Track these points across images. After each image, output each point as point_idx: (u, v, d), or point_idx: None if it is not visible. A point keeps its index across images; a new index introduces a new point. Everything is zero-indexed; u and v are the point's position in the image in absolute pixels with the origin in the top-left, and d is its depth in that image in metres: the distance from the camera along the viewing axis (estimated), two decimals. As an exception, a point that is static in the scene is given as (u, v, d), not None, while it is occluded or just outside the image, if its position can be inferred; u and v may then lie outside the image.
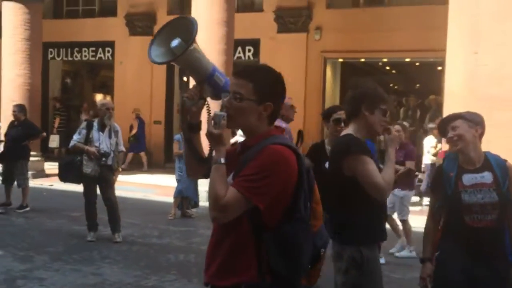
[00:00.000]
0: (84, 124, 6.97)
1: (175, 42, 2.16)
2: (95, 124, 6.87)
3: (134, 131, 14.29)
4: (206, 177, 2.18)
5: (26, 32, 12.07)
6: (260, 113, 2.14)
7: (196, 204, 8.79)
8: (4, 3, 12.17)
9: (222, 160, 2.02)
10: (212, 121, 2.03)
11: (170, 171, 13.65)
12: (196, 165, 2.29)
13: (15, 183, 8.84)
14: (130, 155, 14.07)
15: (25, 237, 6.97)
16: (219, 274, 2.13)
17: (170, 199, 10.52)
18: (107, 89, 20.16)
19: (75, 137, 6.84)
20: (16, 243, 6.64)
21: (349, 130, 3.29)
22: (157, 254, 6.47)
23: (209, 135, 2.02)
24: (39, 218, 8.30)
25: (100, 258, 6.15)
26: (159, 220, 8.53)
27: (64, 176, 6.95)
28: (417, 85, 18.74)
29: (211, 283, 2.18)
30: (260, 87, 2.13)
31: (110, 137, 6.89)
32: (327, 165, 3.91)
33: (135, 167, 14.08)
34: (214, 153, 2.05)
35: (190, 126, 2.22)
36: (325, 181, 3.11)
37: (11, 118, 9.07)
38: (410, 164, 6.45)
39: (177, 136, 8.49)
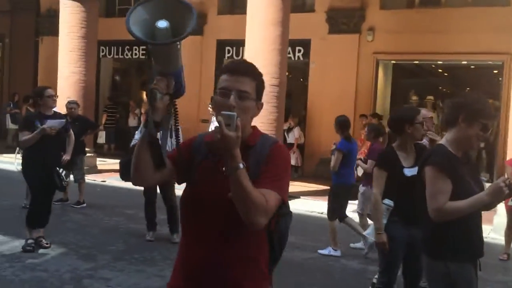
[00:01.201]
0: (144, 123, 6.96)
1: (162, 24, 1.88)
2: (159, 124, 6.85)
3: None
4: (158, 184, 2.06)
5: (82, 30, 12.26)
6: (255, 112, 2.08)
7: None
8: (62, 2, 12.40)
9: (242, 165, 1.83)
10: (223, 123, 1.79)
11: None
12: (151, 170, 2.01)
13: (71, 178, 8.95)
14: None
15: (85, 235, 7.04)
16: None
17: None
18: (155, 87, 20.35)
19: (137, 135, 6.85)
20: (78, 241, 6.71)
21: (443, 140, 3.16)
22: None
23: (224, 138, 1.78)
24: (96, 215, 8.38)
25: (162, 259, 6.14)
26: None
27: (125, 174, 6.95)
28: (468, 88, 18.23)
29: None
30: (260, 86, 2.08)
31: (171, 136, 6.84)
32: (405, 172, 3.81)
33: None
34: (228, 158, 1.83)
35: (155, 124, 1.97)
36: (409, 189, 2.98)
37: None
38: (370, 163, 6.71)
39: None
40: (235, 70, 2.03)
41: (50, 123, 5.99)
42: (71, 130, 6.83)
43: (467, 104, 2.99)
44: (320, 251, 6.87)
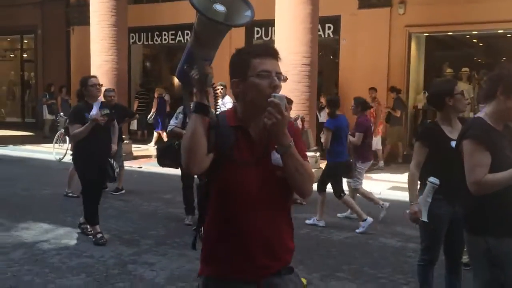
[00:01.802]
0: (180, 108, 7.00)
1: (220, 8, 2.02)
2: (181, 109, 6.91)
3: (153, 110, 14.85)
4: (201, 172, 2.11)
5: (112, 18, 12.36)
6: None
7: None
8: (91, -9, 12.51)
9: (292, 142, 2.05)
10: (274, 107, 1.96)
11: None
12: (205, 155, 2.06)
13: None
14: (156, 133, 14.91)
15: (127, 221, 7.19)
16: (284, 256, 2.23)
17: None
18: (185, 71, 20.44)
19: (173, 121, 6.91)
20: (120, 227, 6.86)
21: (481, 113, 3.10)
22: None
23: (284, 119, 1.98)
24: (135, 200, 8.55)
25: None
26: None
27: (162, 160, 7.04)
28: (504, 58, 17.68)
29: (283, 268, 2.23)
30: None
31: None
32: (452, 144, 3.71)
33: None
34: (283, 137, 2.01)
35: (207, 108, 2.06)
36: (457, 163, 2.93)
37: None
38: (358, 136, 7.21)
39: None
40: (269, 54, 2.11)
41: (95, 112, 5.97)
42: (115, 119, 6.81)
43: (505, 76, 2.93)
44: (307, 221, 7.19)
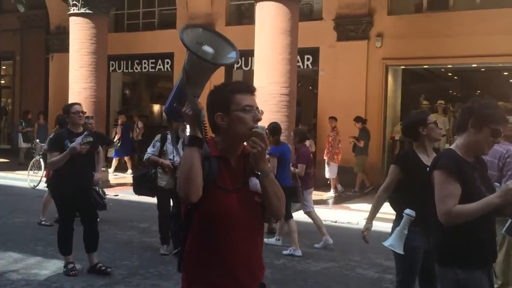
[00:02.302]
0: (158, 136, 6.97)
1: (209, 49, 2.25)
2: (169, 136, 6.88)
3: (117, 137, 14.91)
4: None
5: (92, 46, 12.36)
6: None
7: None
8: (71, 18, 12.53)
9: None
10: (258, 136, 2.21)
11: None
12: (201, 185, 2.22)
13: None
14: (115, 160, 15.17)
15: (100, 250, 6.95)
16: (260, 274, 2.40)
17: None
18: (164, 99, 20.46)
19: (150, 150, 6.86)
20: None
21: (453, 144, 3.14)
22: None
23: (265, 149, 2.23)
24: (110, 229, 8.37)
25: (177, 273, 6.07)
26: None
27: (138, 189, 6.98)
28: (478, 91, 18.12)
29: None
30: None
31: (184, 149, 6.87)
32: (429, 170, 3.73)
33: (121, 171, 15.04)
34: (264, 164, 2.26)
35: (200, 140, 2.25)
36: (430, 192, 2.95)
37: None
38: (301, 167, 7.50)
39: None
40: (250, 90, 2.35)
41: (78, 141, 5.76)
42: (100, 147, 6.63)
43: (476, 109, 2.97)
44: (284, 252, 7.14)
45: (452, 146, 3.11)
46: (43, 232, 7.92)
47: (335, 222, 9.54)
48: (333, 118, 12.69)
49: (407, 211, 3.73)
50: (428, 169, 3.66)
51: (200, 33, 2.29)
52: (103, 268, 5.95)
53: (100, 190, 6.21)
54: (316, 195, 11.80)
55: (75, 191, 5.81)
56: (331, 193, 12.41)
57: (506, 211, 3.00)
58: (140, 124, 15.68)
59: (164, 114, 6.35)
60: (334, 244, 7.50)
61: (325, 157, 12.46)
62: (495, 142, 3.00)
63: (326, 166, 12.38)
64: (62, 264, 6.06)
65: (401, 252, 3.76)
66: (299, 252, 7.09)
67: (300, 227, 7.27)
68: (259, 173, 2.27)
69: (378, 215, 4.24)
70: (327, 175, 12.45)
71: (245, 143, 2.33)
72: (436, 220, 2.94)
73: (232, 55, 2.31)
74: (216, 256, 2.26)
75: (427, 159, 3.91)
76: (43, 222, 8.37)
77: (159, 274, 5.95)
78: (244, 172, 2.33)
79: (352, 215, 9.89)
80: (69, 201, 5.88)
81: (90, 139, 6.01)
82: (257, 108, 2.32)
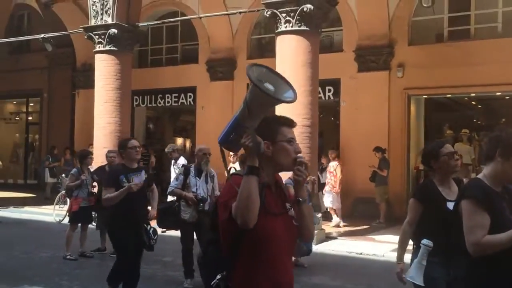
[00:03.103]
0: (181, 169, 7.04)
1: (270, 86, 2.40)
2: (192, 169, 6.93)
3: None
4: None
5: (117, 81, 12.61)
6: None
7: (309, 252, 7.84)
8: (97, 56, 12.84)
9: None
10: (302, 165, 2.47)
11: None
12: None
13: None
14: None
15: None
16: None
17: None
18: (187, 133, 20.71)
19: (173, 183, 6.91)
20: (117, 290, 6.68)
21: (481, 174, 3.10)
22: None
23: (305, 178, 2.49)
24: (134, 263, 8.37)
25: (200, 307, 6.06)
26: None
27: (162, 221, 6.99)
28: (503, 120, 17.89)
29: None
30: None
31: (206, 182, 6.92)
32: (448, 206, 3.67)
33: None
34: (304, 190, 2.52)
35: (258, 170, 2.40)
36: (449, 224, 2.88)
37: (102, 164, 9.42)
38: None
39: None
40: (293, 125, 2.57)
41: (136, 181, 5.58)
42: (154, 184, 6.49)
43: (504, 138, 2.95)
44: None
45: (480, 176, 3.07)
46: (68, 266, 7.97)
47: (361, 254, 9.38)
48: (332, 150, 12.79)
49: (424, 241, 3.67)
50: (447, 202, 3.64)
51: (263, 72, 2.45)
52: None
53: (150, 229, 5.85)
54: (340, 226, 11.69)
55: (131, 229, 5.56)
56: (336, 219, 12.16)
57: None
58: (152, 158, 15.73)
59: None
60: (360, 276, 7.35)
61: (329, 188, 12.27)
62: None
63: (326, 195, 12.17)
64: None
65: (421, 283, 3.68)
66: None
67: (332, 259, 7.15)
68: (300, 199, 2.51)
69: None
70: (327, 204, 12.29)
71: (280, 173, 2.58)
72: (461, 250, 2.89)
73: (290, 94, 2.47)
74: (267, 278, 2.41)
75: (447, 192, 3.84)
76: (68, 257, 8.44)
77: (183, 308, 5.90)
78: (285, 199, 2.55)
79: (378, 247, 9.72)
80: (127, 239, 5.60)
81: (145, 176, 5.86)
82: (295, 140, 2.56)
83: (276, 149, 2.48)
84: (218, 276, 2.45)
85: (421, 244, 3.66)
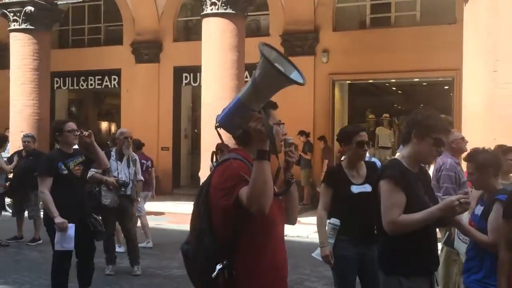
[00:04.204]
0: (101, 154, 6.79)
1: (280, 68, 2.34)
2: (113, 153, 6.73)
3: None
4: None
5: (34, 62, 12.04)
6: None
7: None
8: (12, 34, 12.17)
9: None
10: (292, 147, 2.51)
11: (178, 197, 13.53)
12: None
13: (26, 215, 8.67)
14: None
15: (41, 273, 6.72)
16: None
17: (182, 226, 10.37)
18: (112, 116, 20.14)
19: (93, 168, 6.67)
20: (33, 280, 6.45)
21: (398, 155, 3.22)
22: (180, 287, 6.26)
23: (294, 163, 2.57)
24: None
25: (123, 294, 5.95)
26: (176, 250, 8.26)
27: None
28: (421, 105, 18.72)
29: None
30: None
31: (128, 166, 6.77)
32: (353, 189, 3.81)
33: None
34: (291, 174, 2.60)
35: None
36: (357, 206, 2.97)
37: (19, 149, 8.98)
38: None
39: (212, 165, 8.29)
40: (276, 107, 2.60)
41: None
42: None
43: (419, 120, 3.06)
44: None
45: (398, 157, 3.19)
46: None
47: (285, 235, 9.52)
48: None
49: (332, 220, 3.79)
50: (351, 186, 3.79)
51: (272, 52, 2.40)
52: None
53: (98, 217, 5.44)
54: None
55: (75, 221, 4.97)
56: None
57: (446, 221, 3.10)
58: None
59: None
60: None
61: None
62: (439, 152, 3.06)
63: None
64: None
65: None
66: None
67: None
68: (290, 180, 2.54)
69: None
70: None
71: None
72: (380, 229, 2.99)
73: (297, 76, 2.40)
74: (270, 262, 2.44)
75: (354, 175, 3.97)
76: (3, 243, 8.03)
77: (103, 296, 5.76)
78: (276, 180, 2.50)
79: (302, 228, 9.91)
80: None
81: (82, 158, 5.23)
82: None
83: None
84: (219, 266, 2.32)
85: (328, 223, 3.78)
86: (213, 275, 2.32)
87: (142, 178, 7.14)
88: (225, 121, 2.46)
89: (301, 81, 2.38)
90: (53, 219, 4.90)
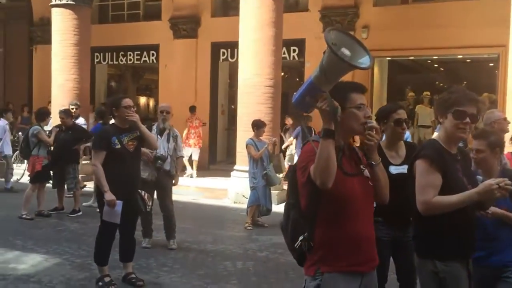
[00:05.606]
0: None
1: (347, 52, 2.44)
2: (154, 127, 6.80)
3: None
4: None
5: (75, 37, 12.20)
6: None
7: (268, 211, 8.31)
8: (53, 10, 12.34)
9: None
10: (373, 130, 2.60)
11: (214, 173, 13.65)
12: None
13: (66, 187, 8.91)
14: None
15: (81, 244, 6.95)
16: None
17: (218, 201, 10.49)
18: (151, 91, 20.34)
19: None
20: (73, 250, 6.62)
21: (436, 135, 3.15)
22: (214, 261, 6.33)
23: (379, 140, 2.69)
24: (92, 223, 8.23)
25: (157, 266, 6.06)
26: (211, 225, 8.43)
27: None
28: (464, 83, 18.17)
29: None
30: None
31: (168, 141, 6.80)
32: (391, 169, 3.68)
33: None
34: (376, 154, 2.70)
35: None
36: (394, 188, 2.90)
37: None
38: None
39: (249, 140, 8.29)
40: (363, 90, 2.68)
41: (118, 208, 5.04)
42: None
43: (439, 101, 3.02)
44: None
45: (435, 137, 3.13)
46: (24, 226, 7.85)
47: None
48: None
49: None
50: (390, 166, 3.68)
51: (340, 36, 2.50)
52: (133, 279, 5.36)
53: (145, 194, 5.50)
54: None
55: (124, 196, 5.07)
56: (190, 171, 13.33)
57: (486, 205, 2.99)
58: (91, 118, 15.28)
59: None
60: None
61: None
62: (465, 124, 2.89)
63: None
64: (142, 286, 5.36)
65: None
66: None
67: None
68: (373, 162, 2.67)
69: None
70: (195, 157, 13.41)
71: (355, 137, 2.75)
72: (415, 211, 2.92)
73: (366, 60, 2.50)
74: (347, 234, 2.55)
75: (393, 155, 3.84)
76: (23, 216, 8.27)
77: (139, 268, 5.86)
78: (358, 161, 2.68)
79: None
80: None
81: (137, 134, 5.28)
82: (368, 106, 2.66)
83: (346, 115, 2.56)
84: (300, 238, 2.58)
85: None
86: (296, 245, 2.59)
87: (183, 154, 7.17)
88: (298, 100, 2.61)
89: (365, 65, 2.49)
90: (103, 193, 5.04)
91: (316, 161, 2.46)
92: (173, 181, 6.94)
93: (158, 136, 6.75)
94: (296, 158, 11.96)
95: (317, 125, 11.98)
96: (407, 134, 10.83)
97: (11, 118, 14.14)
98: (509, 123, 5.22)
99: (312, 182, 2.49)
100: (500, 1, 11.51)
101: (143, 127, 5.38)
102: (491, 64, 13.99)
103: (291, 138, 12.25)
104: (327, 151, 2.44)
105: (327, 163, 2.43)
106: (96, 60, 16.83)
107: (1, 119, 11.03)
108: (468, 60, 15.03)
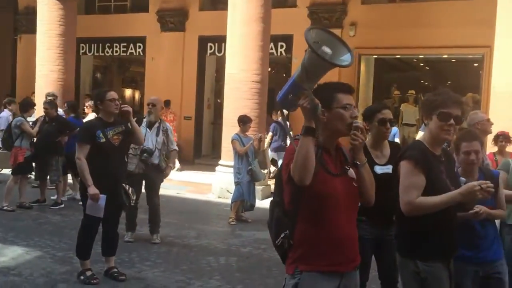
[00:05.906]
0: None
1: (327, 50, 2.47)
2: (145, 120, 6.76)
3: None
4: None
5: (61, 27, 12.05)
6: None
7: (252, 207, 8.38)
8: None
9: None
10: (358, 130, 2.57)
11: (199, 167, 13.61)
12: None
13: (48, 179, 8.83)
14: None
15: (62, 237, 6.89)
16: None
17: (202, 196, 10.47)
18: (137, 84, 20.20)
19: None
20: (55, 243, 6.56)
21: (420, 137, 3.20)
22: (197, 256, 6.32)
23: (364, 140, 2.63)
24: (75, 215, 8.16)
25: (140, 261, 6.03)
26: (195, 219, 8.42)
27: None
28: (448, 82, 18.32)
29: None
30: None
31: (157, 134, 6.75)
32: (376, 169, 3.71)
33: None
34: (361, 154, 2.66)
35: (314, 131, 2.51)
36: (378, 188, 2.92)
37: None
38: None
39: (235, 136, 8.28)
40: (350, 91, 2.68)
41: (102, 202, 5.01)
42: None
43: (424, 102, 3.09)
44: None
45: (420, 138, 3.16)
46: (5, 217, 7.76)
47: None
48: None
49: None
50: (375, 166, 3.71)
51: (321, 34, 2.53)
52: (116, 274, 5.33)
53: (129, 188, 5.45)
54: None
55: (107, 190, 5.03)
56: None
57: (468, 206, 3.03)
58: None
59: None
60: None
61: None
62: (450, 126, 2.91)
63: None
64: (124, 280, 5.29)
65: None
66: None
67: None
68: (358, 163, 2.64)
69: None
70: None
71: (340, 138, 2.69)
72: (398, 210, 2.94)
73: (347, 57, 2.53)
74: (326, 232, 2.55)
75: (378, 155, 3.87)
76: (4, 207, 8.17)
77: (121, 262, 5.83)
78: (344, 162, 2.65)
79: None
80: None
81: (122, 128, 5.25)
82: (355, 106, 2.64)
83: (331, 116, 2.58)
84: (282, 235, 2.60)
85: None
86: (277, 242, 2.62)
87: (176, 148, 7.10)
88: (282, 98, 2.65)
89: (346, 62, 2.52)
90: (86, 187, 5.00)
91: (294, 157, 2.48)
92: (164, 173, 6.89)
93: (148, 128, 6.71)
94: (270, 153, 11.93)
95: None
96: (395, 130, 10.94)
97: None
98: (492, 124, 5.27)
99: (293, 180, 2.50)
100: (486, 2, 11.63)
101: (134, 121, 5.36)
102: (476, 64, 14.11)
103: (270, 133, 12.20)
104: (306, 148, 2.45)
105: (305, 160, 2.44)
106: (81, 51, 16.67)
107: (5, 110, 10.85)
108: (453, 60, 15.15)
